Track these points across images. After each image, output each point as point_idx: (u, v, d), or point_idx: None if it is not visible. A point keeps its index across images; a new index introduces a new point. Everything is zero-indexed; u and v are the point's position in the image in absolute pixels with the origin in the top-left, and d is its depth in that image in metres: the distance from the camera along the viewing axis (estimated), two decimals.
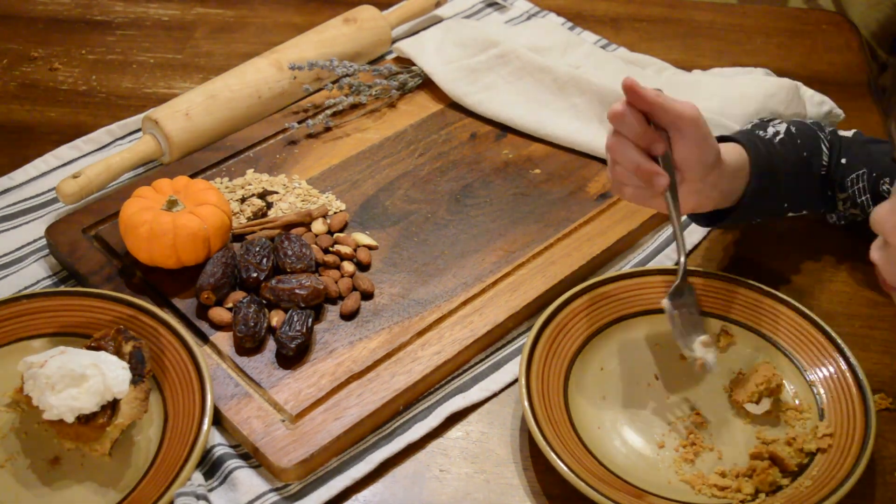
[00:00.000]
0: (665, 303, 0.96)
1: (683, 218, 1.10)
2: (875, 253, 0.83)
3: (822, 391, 0.97)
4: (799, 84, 1.24)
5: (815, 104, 1.26)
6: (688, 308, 0.97)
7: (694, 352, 0.95)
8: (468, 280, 1.07)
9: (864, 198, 1.06)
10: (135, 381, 0.92)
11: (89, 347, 0.94)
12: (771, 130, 1.06)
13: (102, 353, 0.92)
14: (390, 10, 1.43)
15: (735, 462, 0.93)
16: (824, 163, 1.07)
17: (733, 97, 1.21)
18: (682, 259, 0.96)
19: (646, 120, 0.93)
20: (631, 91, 0.91)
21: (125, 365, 0.91)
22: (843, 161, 1.07)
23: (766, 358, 1.01)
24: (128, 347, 0.94)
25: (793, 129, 1.07)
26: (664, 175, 0.92)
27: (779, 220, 1.14)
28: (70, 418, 0.88)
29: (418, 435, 0.95)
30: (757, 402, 0.96)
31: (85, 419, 0.89)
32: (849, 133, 1.10)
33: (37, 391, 0.89)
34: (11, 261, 1.12)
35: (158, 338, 0.98)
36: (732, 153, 0.99)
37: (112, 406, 0.90)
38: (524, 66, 1.29)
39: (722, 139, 1.03)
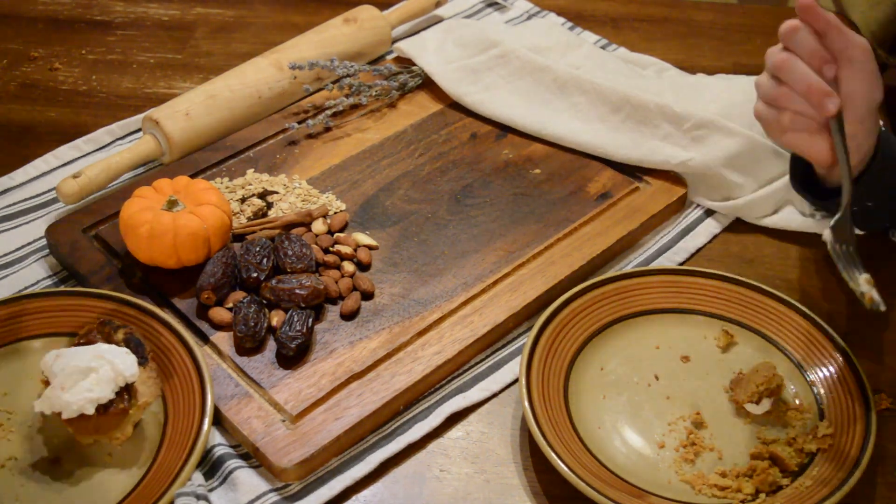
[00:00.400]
0: (826, 234, 0.90)
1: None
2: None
3: (822, 391, 0.97)
4: None
5: None
6: (846, 244, 0.91)
7: (861, 286, 0.88)
8: (468, 280, 1.07)
9: None
10: (141, 363, 0.93)
11: (77, 345, 0.94)
12: None
13: (100, 345, 0.92)
14: (390, 10, 1.43)
15: (735, 462, 0.93)
16: None
17: (737, 100, 1.21)
18: (846, 196, 0.89)
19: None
20: (807, 9, 0.87)
21: (127, 350, 0.92)
22: None
23: (766, 358, 1.01)
24: (119, 335, 0.95)
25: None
26: (836, 97, 0.87)
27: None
28: (91, 409, 0.89)
29: (418, 435, 0.95)
30: (757, 402, 0.96)
31: (104, 409, 0.89)
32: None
33: (51, 396, 0.89)
34: (11, 261, 1.12)
35: (158, 338, 0.98)
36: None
37: (127, 390, 0.91)
38: (524, 66, 1.29)
39: None
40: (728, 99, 1.21)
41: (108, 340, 0.95)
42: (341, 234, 1.12)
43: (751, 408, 0.96)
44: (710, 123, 1.17)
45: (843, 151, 0.89)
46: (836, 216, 0.91)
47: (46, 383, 0.91)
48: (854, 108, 0.89)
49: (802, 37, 0.88)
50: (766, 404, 0.96)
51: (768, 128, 0.93)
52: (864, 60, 0.88)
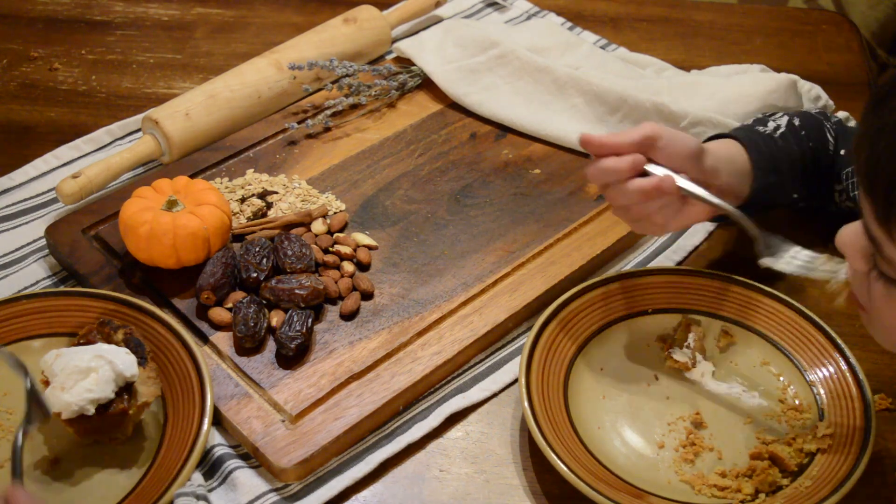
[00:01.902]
0: (766, 261, 0.95)
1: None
2: (848, 271, 0.83)
3: (822, 391, 0.97)
4: (797, 78, 1.24)
5: (811, 99, 1.26)
6: (783, 251, 0.96)
7: (832, 273, 0.92)
8: (468, 280, 1.07)
9: (857, 192, 1.06)
10: (141, 364, 0.93)
11: (77, 345, 0.94)
12: (771, 125, 1.06)
13: (101, 345, 0.92)
14: (390, 10, 1.43)
15: (735, 462, 0.93)
16: (830, 152, 1.07)
17: (732, 96, 1.21)
18: (752, 228, 0.95)
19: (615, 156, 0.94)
20: (589, 143, 0.94)
21: (127, 350, 0.92)
22: (843, 153, 1.07)
23: (766, 358, 1.01)
24: (119, 336, 0.95)
25: (795, 121, 1.07)
26: (667, 176, 0.93)
27: (781, 217, 1.13)
28: (91, 410, 0.89)
29: (418, 435, 0.95)
30: (680, 348, 0.99)
31: (103, 409, 0.89)
32: (850, 121, 1.10)
33: (53, 394, 0.89)
34: (11, 261, 1.12)
35: (158, 338, 0.98)
36: (723, 147, 1.00)
37: (127, 390, 0.91)
38: (524, 66, 1.29)
39: (717, 137, 1.04)
40: (724, 96, 1.21)
41: (108, 340, 0.95)
42: (341, 234, 1.12)
43: (676, 354, 0.99)
44: (706, 121, 1.17)
45: (710, 196, 0.94)
46: (757, 248, 0.96)
47: (46, 383, 0.91)
48: (683, 164, 0.95)
49: (605, 168, 0.94)
50: (687, 352, 0.99)
51: (653, 232, 1.00)
52: (656, 141, 0.94)
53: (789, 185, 1.05)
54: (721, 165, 0.98)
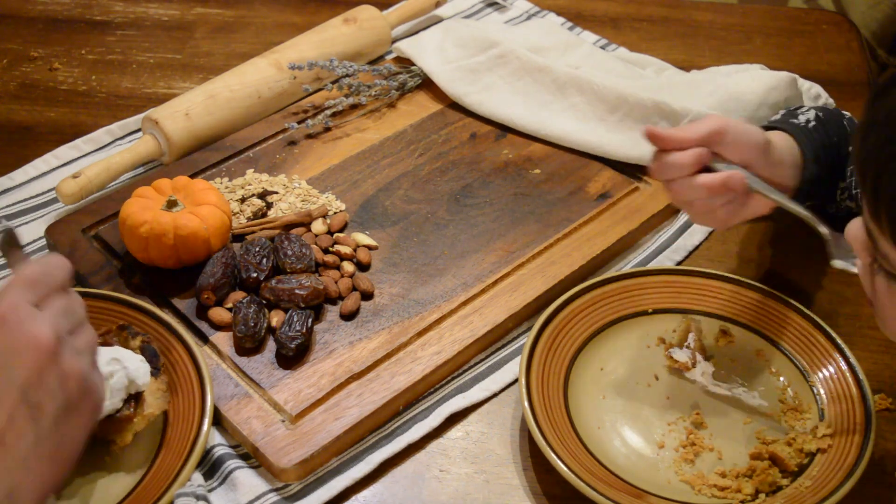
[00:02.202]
0: (839, 264, 0.93)
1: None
2: (857, 264, 0.83)
3: (822, 391, 0.97)
4: (796, 76, 1.24)
5: (812, 98, 1.26)
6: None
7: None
8: (468, 280, 1.07)
9: (858, 190, 1.06)
10: (153, 374, 0.92)
11: None
12: (802, 118, 1.05)
13: (118, 348, 0.91)
14: (390, 10, 1.43)
15: (735, 462, 0.93)
16: (848, 148, 1.06)
17: (733, 93, 1.20)
18: (823, 228, 0.94)
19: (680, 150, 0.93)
20: (654, 137, 0.93)
21: (142, 358, 0.92)
22: (850, 149, 1.07)
23: (766, 358, 1.01)
24: (136, 343, 0.95)
25: (821, 115, 1.06)
26: (734, 172, 0.92)
27: (778, 219, 1.13)
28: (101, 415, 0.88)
29: (418, 435, 0.95)
30: (680, 348, 0.99)
31: (109, 413, 0.89)
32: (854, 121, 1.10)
33: None
34: None
35: (158, 338, 0.98)
36: (779, 136, 1.00)
37: (135, 398, 0.90)
38: (523, 66, 1.29)
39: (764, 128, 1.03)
40: (724, 93, 1.21)
41: (124, 346, 0.94)
42: (341, 235, 1.12)
43: (676, 354, 0.99)
44: None
45: (780, 197, 0.94)
46: (829, 248, 0.94)
47: None
48: (751, 159, 0.94)
49: (670, 163, 0.93)
50: (687, 352, 0.99)
51: (714, 225, 1.01)
52: (723, 137, 0.93)
53: (827, 178, 1.04)
54: (785, 157, 0.98)
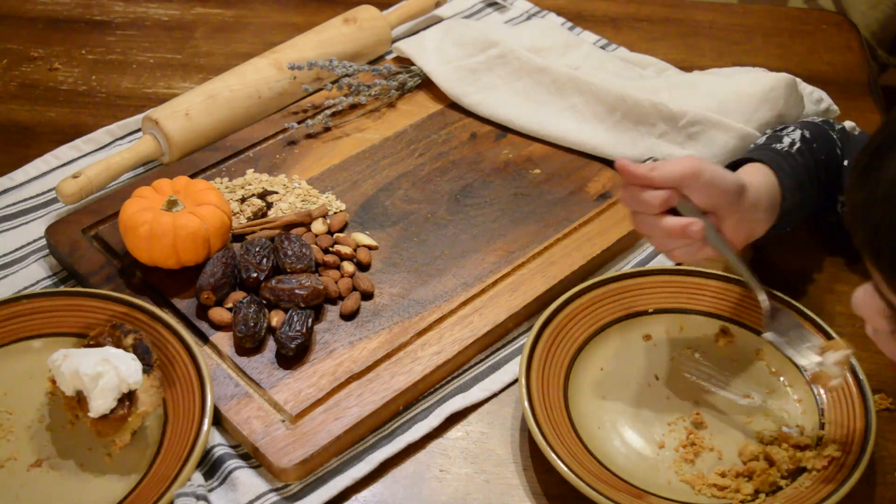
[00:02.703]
0: (769, 336, 0.95)
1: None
2: (869, 330, 0.83)
3: (822, 391, 0.97)
4: (797, 79, 1.24)
5: (814, 101, 1.26)
6: (791, 329, 0.96)
7: (822, 365, 0.92)
8: (468, 280, 1.07)
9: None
10: (145, 371, 0.93)
11: (87, 346, 0.94)
12: (787, 140, 1.05)
13: (108, 348, 0.92)
14: (390, 10, 1.43)
15: (735, 462, 0.93)
16: (838, 163, 1.07)
17: (732, 95, 1.20)
18: (763, 297, 0.96)
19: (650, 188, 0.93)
20: (624, 172, 0.92)
21: (133, 356, 0.92)
22: (846, 162, 1.07)
23: (765, 355, 1.01)
24: (128, 340, 0.95)
25: (806, 133, 1.06)
26: (695, 221, 0.92)
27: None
28: (94, 416, 0.89)
29: (418, 435, 0.95)
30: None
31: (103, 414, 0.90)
32: (856, 131, 1.10)
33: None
34: (11, 261, 1.12)
35: (158, 338, 0.98)
36: (758, 176, 0.99)
37: (129, 397, 0.90)
38: (523, 66, 1.29)
39: (743, 161, 1.03)
40: (724, 94, 1.21)
41: (118, 344, 0.95)
42: (341, 234, 1.12)
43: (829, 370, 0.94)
44: (704, 120, 1.17)
45: (732, 257, 0.95)
46: (765, 321, 0.96)
47: (53, 382, 0.91)
48: (721, 207, 0.94)
49: (634, 198, 0.93)
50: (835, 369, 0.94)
51: (674, 261, 1.01)
52: (694, 182, 0.92)
53: (810, 202, 1.04)
54: (762, 199, 0.98)
